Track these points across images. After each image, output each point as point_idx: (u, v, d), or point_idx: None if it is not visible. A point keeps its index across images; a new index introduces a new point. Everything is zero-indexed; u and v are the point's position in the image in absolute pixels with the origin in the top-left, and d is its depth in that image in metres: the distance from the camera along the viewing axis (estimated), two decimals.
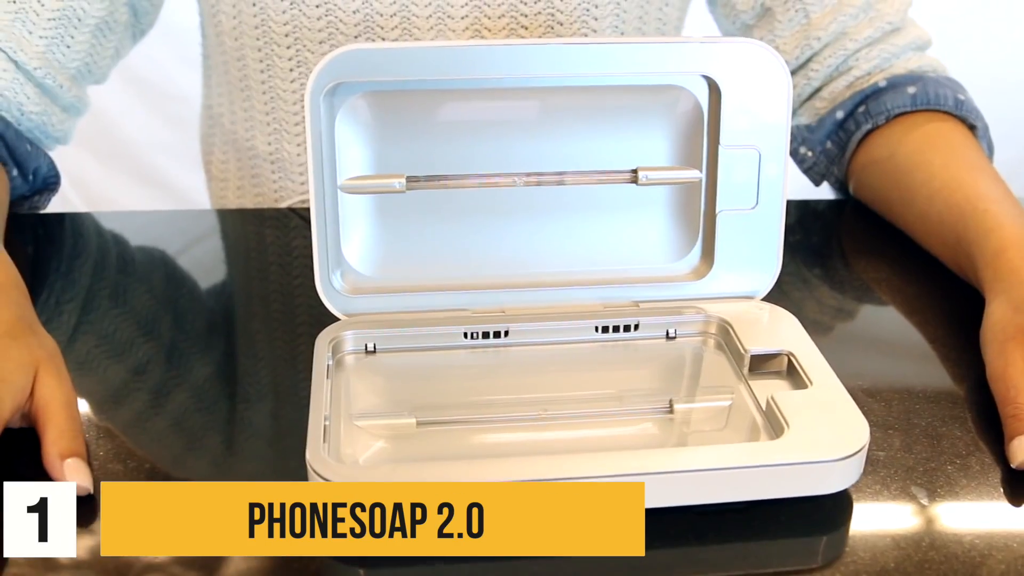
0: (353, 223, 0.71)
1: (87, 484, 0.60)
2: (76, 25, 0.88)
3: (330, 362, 0.67)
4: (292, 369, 0.73)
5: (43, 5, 0.86)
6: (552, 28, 0.95)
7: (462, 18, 0.93)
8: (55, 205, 0.95)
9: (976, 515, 0.60)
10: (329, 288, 0.71)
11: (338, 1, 0.92)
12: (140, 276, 0.86)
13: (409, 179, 0.70)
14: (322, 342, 0.68)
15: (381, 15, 0.93)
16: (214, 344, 0.77)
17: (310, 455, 0.57)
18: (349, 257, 0.71)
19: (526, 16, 0.94)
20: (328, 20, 0.93)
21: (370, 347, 0.70)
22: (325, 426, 0.61)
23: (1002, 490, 0.62)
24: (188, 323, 0.79)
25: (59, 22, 0.87)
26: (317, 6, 0.92)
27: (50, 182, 0.92)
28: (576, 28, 0.95)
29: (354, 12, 0.92)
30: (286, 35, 0.94)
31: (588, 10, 0.95)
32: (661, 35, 1.04)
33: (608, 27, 0.97)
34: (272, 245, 0.94)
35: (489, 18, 0.93)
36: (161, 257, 0.89)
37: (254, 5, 0.94)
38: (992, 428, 0.66)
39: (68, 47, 0.88)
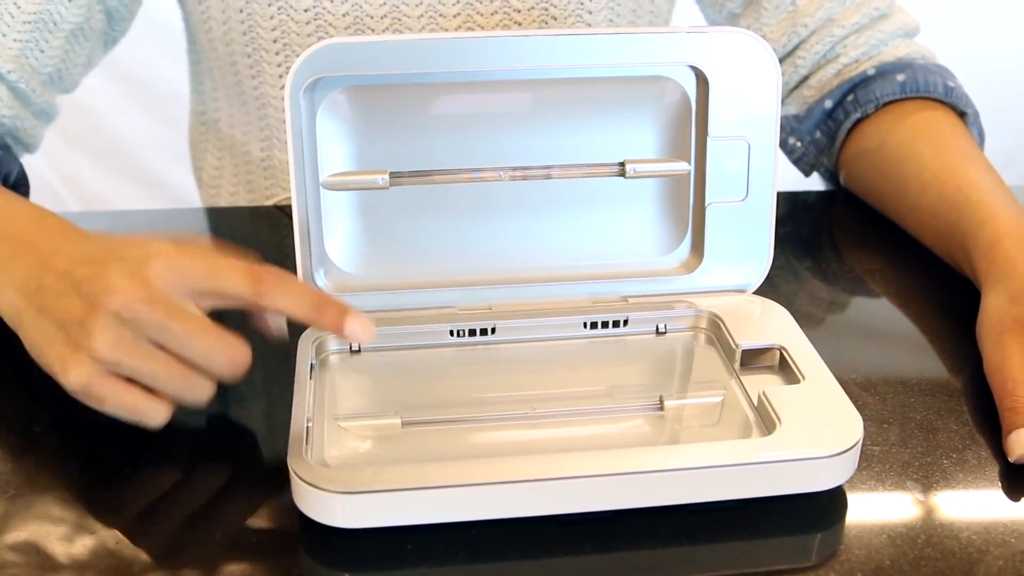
0: (336, 220, 0.70)
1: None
2: (52, 30, 0.87)
3: (313, 362, 0.66)
4: (283, 369, 0.71)
5: (19, 7, 0.85)
6: (546, 23, 0.94)
7: (454, 16, 0.92)
8: (47, 205, 0.94)
9: (973, 510, 0.59)
10: (312, 287, 0.70)
11: (327, 5, 0.90)
12: None
13: (392, 175, 0.69)
14: (305, 342, 0.67)
15: (371, 16, 0.91)
16: None
17: (291, 458, 0.56)
18: (332, 255, 0.70)
19: (519, 12, 0.93)
20: (317, 24, 0.91)
21: (354, 346, 0.69)
22: (308, 428, 0.60)
23: (1000, 484, 0.61)
24: None
25: (35, 25, 0.86)
26: (305, 10, 0.91)
27: (20, 187, 0.90)
28: (570, 23, 0.94)
29: (344, 15, 0.91)
30: (274, 40, 0.93)
31: (582, 4, 0.94)
32: (651, 27, 1.02)
33: (602, 21, 0.96)
34: (263, 243, 0.93)
35: (481, 15, 0.92)
36: None
37: (241, 11, 0.93)
38: (989, 421, 0.65)
39: (42, 52, 0.87)
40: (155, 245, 0.61)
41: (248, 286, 0.61)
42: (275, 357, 0.73)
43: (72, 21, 0.88)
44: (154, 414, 0.61)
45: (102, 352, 0.59)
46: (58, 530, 0.58)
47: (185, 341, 0.60)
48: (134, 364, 0.60)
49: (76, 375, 0.60)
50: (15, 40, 0.85)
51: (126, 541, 0.57)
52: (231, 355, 0.61)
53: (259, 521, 0.59)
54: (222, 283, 0.61)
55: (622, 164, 0.71)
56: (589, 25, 0.95)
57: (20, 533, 0.58)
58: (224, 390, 0.71)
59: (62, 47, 0.88)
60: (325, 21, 0.91)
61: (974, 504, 0.60)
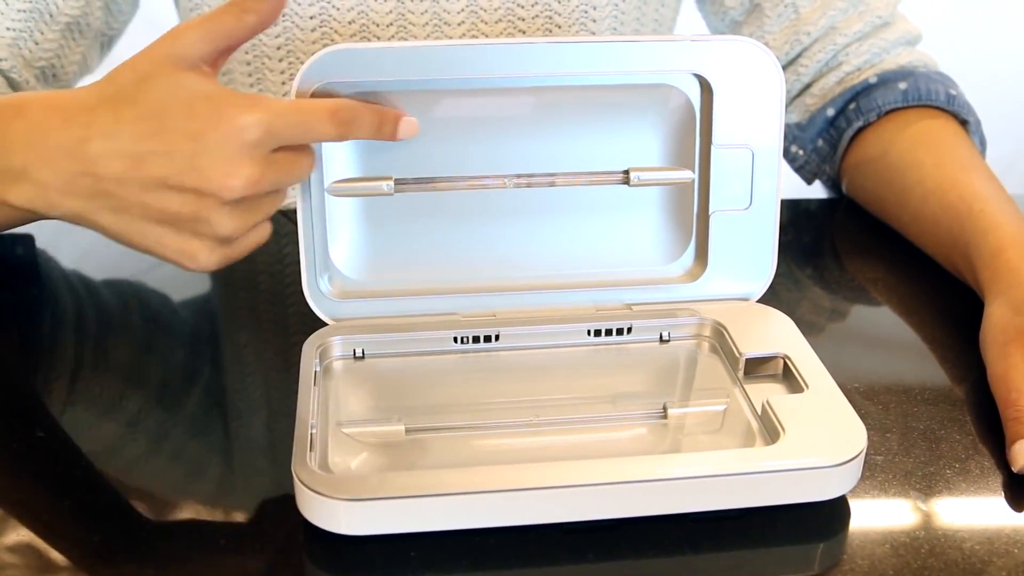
0: (341, 226, 0.70)
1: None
2: (47, 21, 0.86)
3: (317, 368, 0.66)
4: (286, 377, 0.71)
5: None
6: (550, 31, 0.94)
7: (459, 24, 0.92)
8: None
9: (976, 520, 0.59)
10: (317, 293, 0.70)
11: (333, 12, 0.90)
12: (128, 283, 0.84)
13: (397, 181, 0.69)
14: (309, 348, 0.67)
15: (377, 25, 0.91)
16: (205, 353, 0.76)
17: (296, 465, 0.56)
18: (337, 261, 0.70)
19: (523, 20, 0.93)
20: (323, 32, 0.91)
21: (358, 352, 0.69)
22: (312, 434, 0.60)
23: (1003, 494, 0.61)
24: (179, 331, 0.78)
25: (29, 15, 0.85)
26: (311, 17, 0.90)
27: None
28: (575, 31, 0.94)
29: (350, 23, 0.91)
30: (278, 48, 0.92)
31: (586, 12, 0.94)
32: (654, 35, 1.03)
33: (607, 29, 0.96)
34: (267, 248, 0.92)
35: (486, 23, 0.92)
36: (150, 263, 0.88)
37: None
38: (992, 431, 0.65)
39: (36, 43, 0.86)
40: (240, 115, 0.60)
41: (334, 131, 0.63)
42: (277, 367, 0.74)
43: (69, 14, 0.87)
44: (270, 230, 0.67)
45: (232, 234, 0.62)
46: (58, 533, 0.58)
47: (292, 181, 0.64)
48: (257, 219, 0.64)
49: (208, 261, 0.63)
50: (8, 28, 0.84)
51: (127, 545, 0.57)
52: (313, 161, 0.66)
53: (263, 528, 0.58)
54: (312, 135, 0.63)
55: (626, 172, 0.71)
56: (593, 33, 0.95)
57: (20, 535, 0.58)
58: (227, 396, 0.71)
59: (57, 41, 0.87)
60: (331, 28, 0.91)
61: (977, 514, 0.60)
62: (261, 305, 0.82)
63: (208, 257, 0.63)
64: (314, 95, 0.66)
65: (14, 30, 0.85)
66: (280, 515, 0.59)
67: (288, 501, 0.58)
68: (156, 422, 0.68)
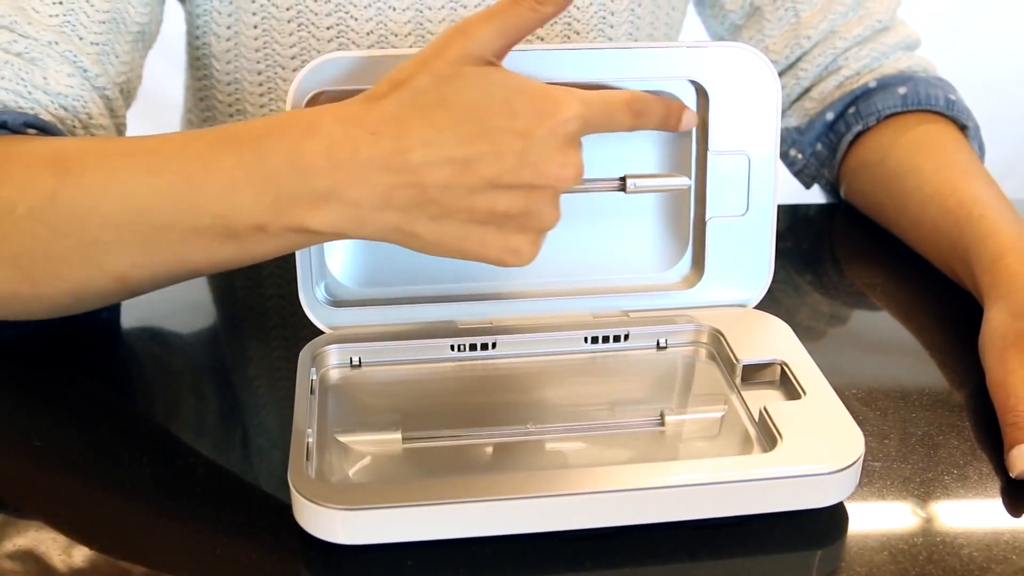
0: None
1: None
2: (122, 32, 0.81)
3: (314, 377, 0.66)
4: (282, 386, 0.71)
5: (93, 6, 0.79)
6: (568, 37, 0.93)
7: None
8: None
9: (975, 526, 0.59)
10: (313, 301, 0.70)
11: (351, 22, 0.90)
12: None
13: None
14: (305, 356, 0.67)
15: (396, 34, 0.91)
16: (200, 361, 0.76)
17: (291, 474, 0.56)
18: (333, 269, 0.70)
19: (542, 27, 0.92)
20: (340, 42, 0.90)
21: (355, 361, 0.69)
22: (308, 443, 0.59)
23: (1001, 500, 0.61)
24: (174, 339, 0.78)
25: (108, 26, 0.80)
26: (328, 28, 0.90)
27: None
28: (592, 36, 0.94)
29: (368, 33, 0.90)
30: (292, 57, 0.92)
31: (604, 18, 0.94)
32: (666, 39, 1.02)
33: (623, 34, 0.96)
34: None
35: None
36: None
37: (255, 28, 0.91)
38: (990, 436, 0.65)
39: (116, 56, 0.81)
40: (561, 108, 0.60)
41: (630, 121, 0.64)
42: (274, 374, 0.74)
43: (139, 22, 0.83)
44: None
45: (554, 222, 0.62)
46: (57, 542, 0.58)
47: None
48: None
49: (530, 254, 0.62)
50: (92, 43, 0.79)
51: (125, 555, 0.57)
52: None
53: (259, 537, 0.58)
54: (612, 124, 0.64)
55: (623, 179, 0.70)
56: (610, 39, 0.95)
57: (19, 541, 0.58)
58: (223, 405, 0.71)
59: (130, 53, 0.83)
60: (348, 39, 0.90)
61: (976, 520, 0.59)
62: (258, 313, 0.82)
63: (531, 249, 0.62)
64: (308, 103, 0.66)
65: (98, 44, 0.80)
66: (277, 525, 0.59)
67: (285, 510, 0.58)
68: (152, 429, 0.68)
